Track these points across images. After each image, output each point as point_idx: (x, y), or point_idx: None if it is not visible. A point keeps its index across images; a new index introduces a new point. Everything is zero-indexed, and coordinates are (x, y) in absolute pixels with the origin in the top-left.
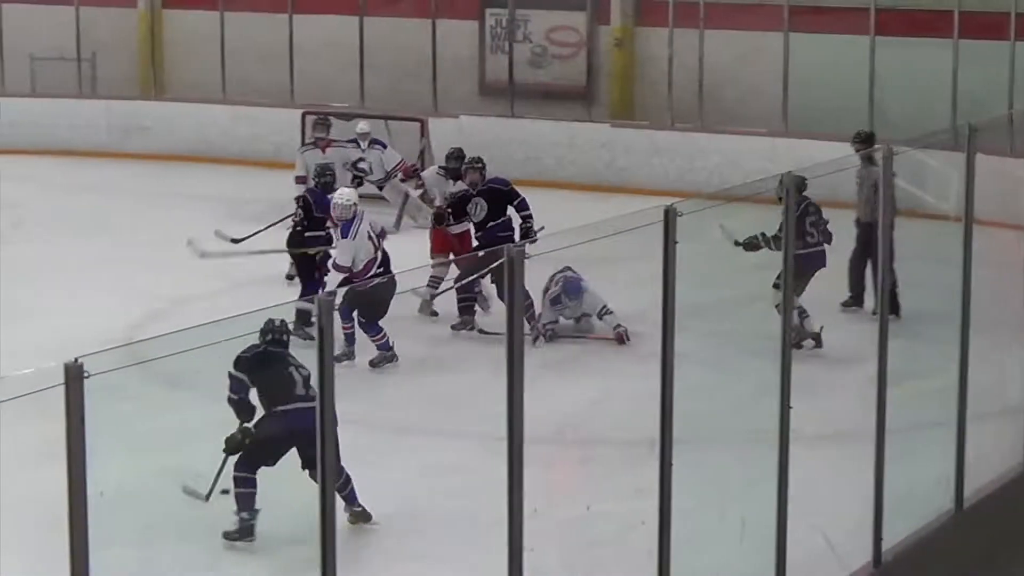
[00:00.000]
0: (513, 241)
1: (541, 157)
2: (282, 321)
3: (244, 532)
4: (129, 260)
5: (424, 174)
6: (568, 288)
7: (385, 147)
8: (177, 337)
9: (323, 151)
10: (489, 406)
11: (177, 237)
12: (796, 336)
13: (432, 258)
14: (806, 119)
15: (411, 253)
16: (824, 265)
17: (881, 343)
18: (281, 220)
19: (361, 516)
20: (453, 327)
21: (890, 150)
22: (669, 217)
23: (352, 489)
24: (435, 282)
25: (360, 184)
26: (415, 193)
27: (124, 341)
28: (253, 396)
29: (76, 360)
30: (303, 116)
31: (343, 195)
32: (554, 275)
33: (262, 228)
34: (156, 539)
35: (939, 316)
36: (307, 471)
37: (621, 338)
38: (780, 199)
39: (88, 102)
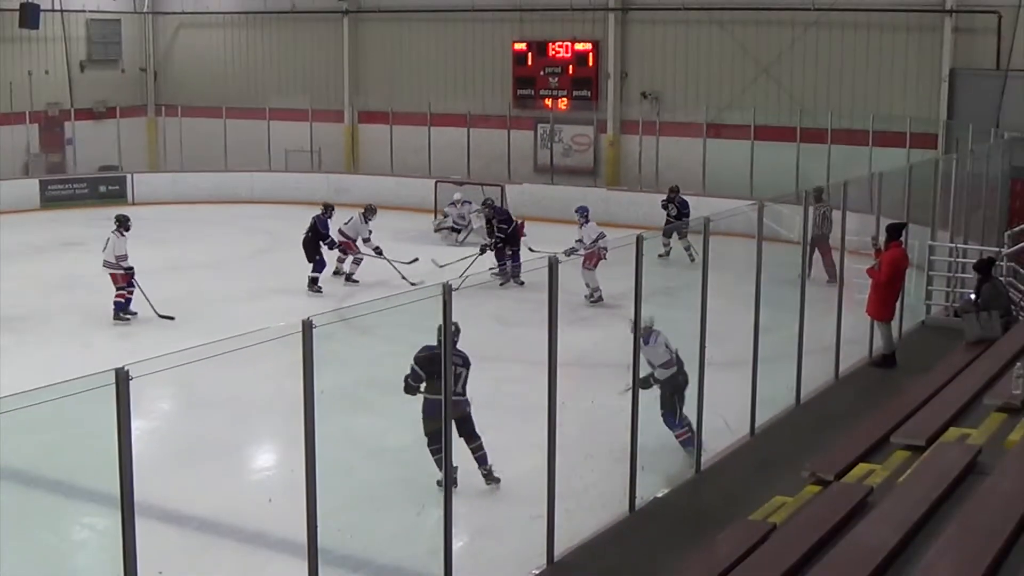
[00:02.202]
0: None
1: (568, 207)
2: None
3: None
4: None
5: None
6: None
7: (471, 204)
8: (365, 306)
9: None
10: (538, 344)
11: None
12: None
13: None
14: (715, 186)
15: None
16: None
17: (756, 311)
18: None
19: (490, 478)
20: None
21: (761, 204)
22: (639, 241)
23: (483, 454)
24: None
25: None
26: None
27: (335, 308)
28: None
29: (308, 319)
30: (435, 184)
31: None
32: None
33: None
34: (354, 416)
35: (788, 295)
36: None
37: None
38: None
39: (315, 175)
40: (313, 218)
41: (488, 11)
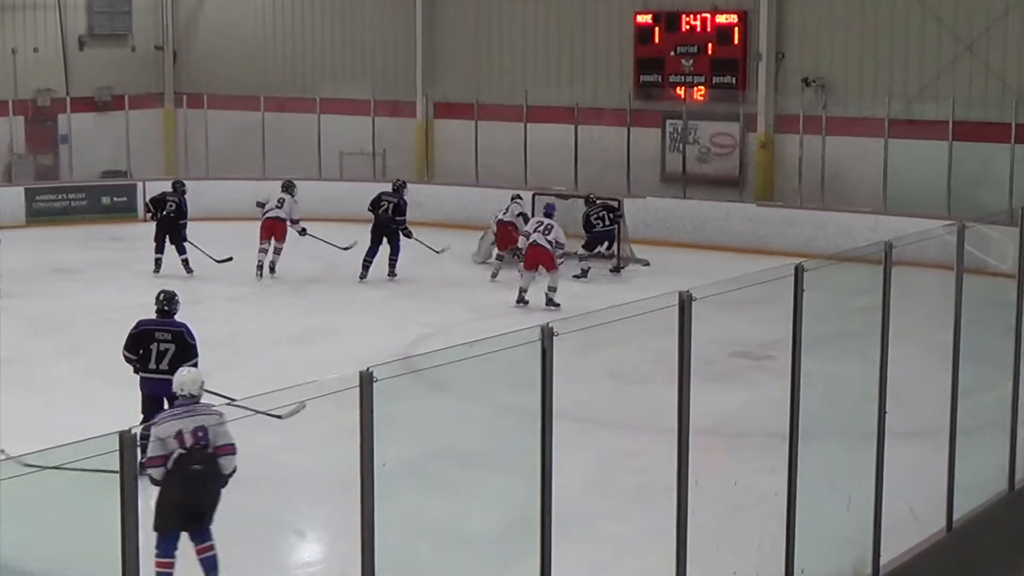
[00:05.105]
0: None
1: (705, 228)
2: (168, 294)
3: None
4: (408, 296)
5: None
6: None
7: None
8: (440, 354)
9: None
10: (665, 406)
11: (437, 282)
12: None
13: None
14: (900, 201)
15: None
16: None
17: (954, 366)
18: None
19: None
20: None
21: (962, 225)
22: (798, 272)
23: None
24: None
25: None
26: None
27: (401, 356)
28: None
29: (368, 369)
30: (533, 196)
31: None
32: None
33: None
34: (424, 496)
35: (998, 345)
36: None
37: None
38: None
39: (379, 185)
40: (175, 196)
41: None
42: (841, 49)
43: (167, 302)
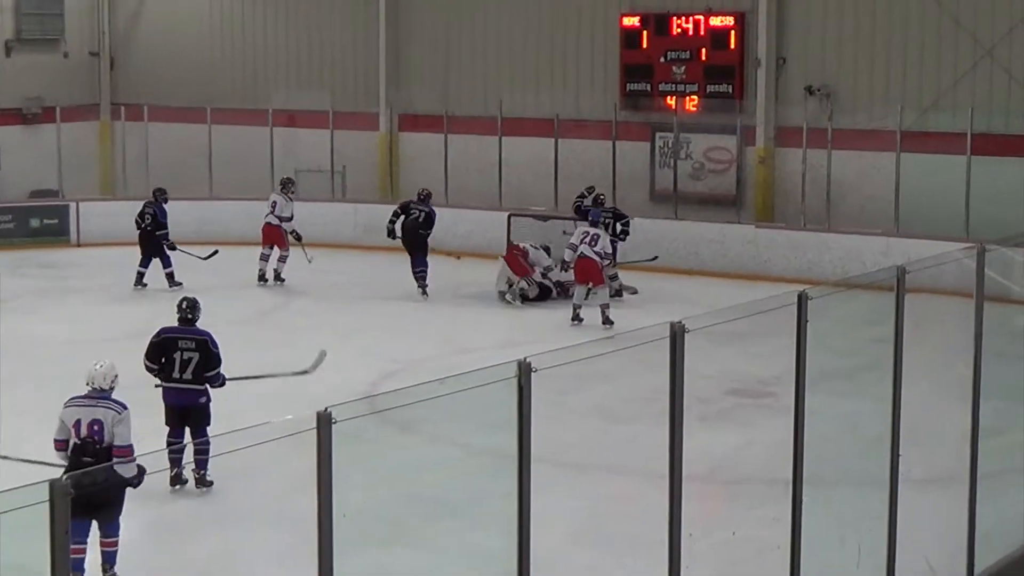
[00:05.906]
0: None
1: (699, 252)
2: (191, 301)
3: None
4: (370, 328)
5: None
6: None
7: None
8: (407, 392)
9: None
10: (655, 448)
11: (408, 312)
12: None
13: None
14: (913, 222)
15: None
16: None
17: (975, 404)
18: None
19: (203, 482)
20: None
21: (983, 247)
22: (802, 300)
23: (207, 459)
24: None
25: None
26: None
27: (364, 395)
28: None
29: (326, 409)
30: (509, 217)
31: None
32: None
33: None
34: (390, 550)
35: (1022, 382)
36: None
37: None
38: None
39: (338, 205)
40: (152, 206)
41: None
42: (848, 54)
43: (190, 310)
